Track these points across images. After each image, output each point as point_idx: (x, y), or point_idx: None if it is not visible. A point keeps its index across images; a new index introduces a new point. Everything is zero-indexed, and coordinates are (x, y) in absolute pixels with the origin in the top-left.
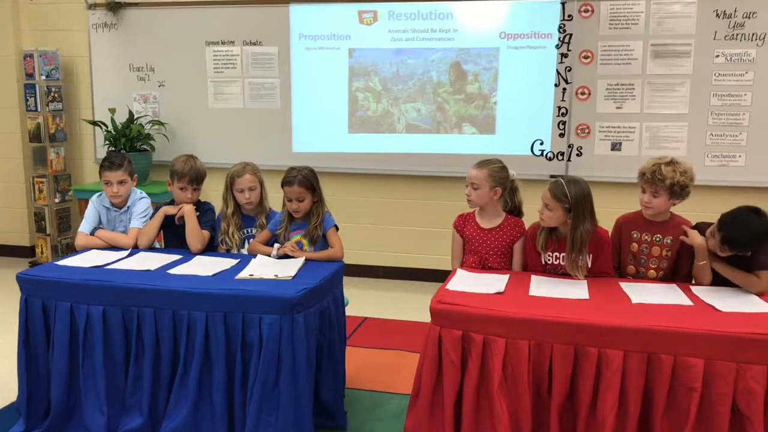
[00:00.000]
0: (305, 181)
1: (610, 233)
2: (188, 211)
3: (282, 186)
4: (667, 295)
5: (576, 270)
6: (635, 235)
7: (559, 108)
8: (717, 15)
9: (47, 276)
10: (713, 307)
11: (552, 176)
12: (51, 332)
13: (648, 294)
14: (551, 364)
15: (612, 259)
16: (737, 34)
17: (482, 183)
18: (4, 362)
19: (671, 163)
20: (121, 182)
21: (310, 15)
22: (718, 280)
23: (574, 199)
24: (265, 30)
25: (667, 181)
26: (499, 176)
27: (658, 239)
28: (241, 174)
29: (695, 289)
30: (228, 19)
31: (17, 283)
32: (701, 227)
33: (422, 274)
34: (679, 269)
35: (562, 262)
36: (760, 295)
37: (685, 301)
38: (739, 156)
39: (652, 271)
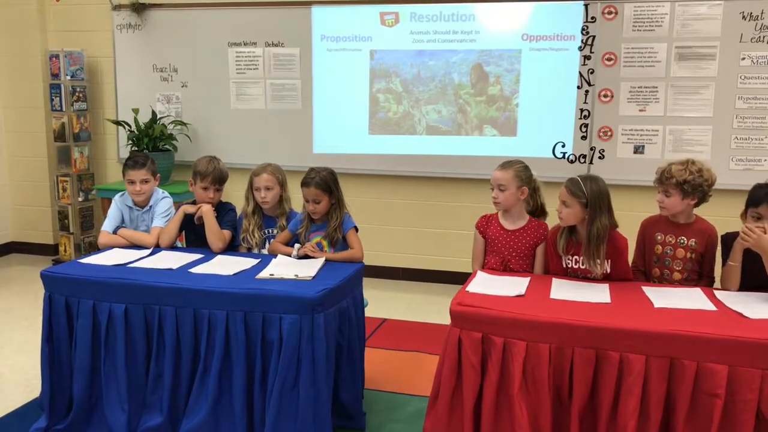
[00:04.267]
0: (322, 183)
1: (632, 237)
2: (206, 211)
3: (301, 186)
4: (691, 299)
5: (593, 265)
6: (659, 237)
7: (582, 110)
8: (743, 17)
9: (71, 273)
10: (739, 313)
11: None
12: (74, 329)
13: (671, 298)
14: (572, 368)
15: (639, 262)
16: (764, 37)
17: (509, 184)
18: (27, 358)
19: (684, 162)
20: (144, 181)
21: (332, 16)
22: (743, 285)
23: (591, 194)
24: (287, 31)
25: (674, 179)
26: (524, 176)
27: (682, 241)
28: (259, 173)
29: (719, 294)
30: (250, 20)
31: (41, 280)
32: (730, 237)
33: (442, 275)
34: (704, 272)
35: (582, 266)
36: None
37: (709, 306)
38: (765, 160)
39: (677, 273)
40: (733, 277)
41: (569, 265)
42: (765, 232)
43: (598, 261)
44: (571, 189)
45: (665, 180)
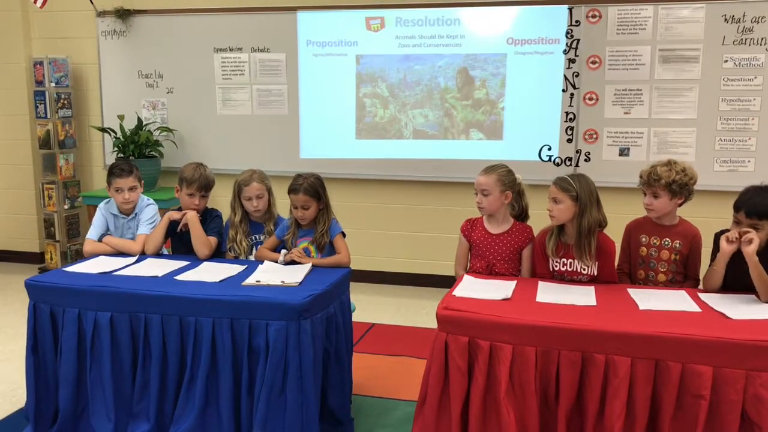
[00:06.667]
0: (310, 189)
1: (617, 239)
2: (191, 218)
3: (288, 193)
4: (675, 301)
5: (584, 257)
6: (644, 239)
7: (567, 113)
8: (725, 20)
9: (55, 282)
10: (723, 314)
11: None
12: (59, 338)
13: (656, 300)
14: (558, 371)
15: (624, 264)
16: (746, 39)
17: (492, 189)
18: (12, 368)
19: (668, 163)
20: (132, 189)
21: (318, 22)
22: (728, 286)
23: (580, 187)
24: (273, 37)
25: (663, 180)
26: (507, 180)
27: (666, 243)
28: (248, 182)
29: (704, 296)
30: (236, 26)
31: (26, 290)
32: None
33: (429, 279)
34: (689, 274)
35: (569, 268)
36: None
37: (694, 307)
38: (749, 161)
39: (662, 274)
40: (715, 280)
41: (557, 268)
42: (751, 242)
43: (589, 255)
44: (560, 185)
45: (654, 182)
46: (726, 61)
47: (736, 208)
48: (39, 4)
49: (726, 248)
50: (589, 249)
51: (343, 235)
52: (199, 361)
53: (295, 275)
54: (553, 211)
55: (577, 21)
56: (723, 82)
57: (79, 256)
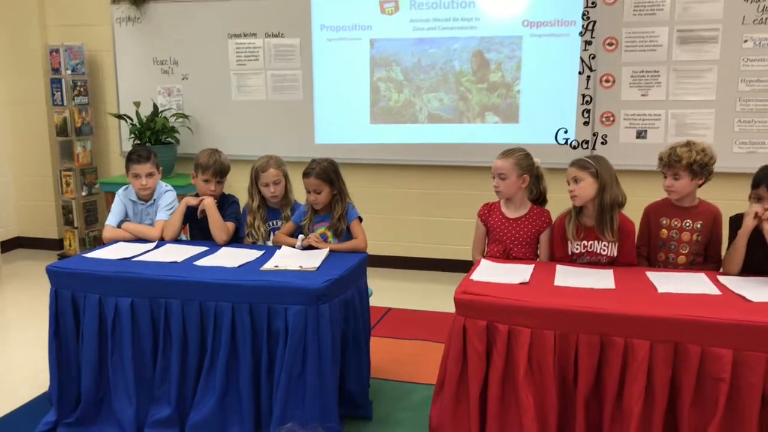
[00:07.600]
0: (322, 173)
1: (635, 223)
2: (208, 204)
3: (302, 177)
4: (694, 284)
5: (606, 233)
6: (664, 222)
7: (584, 96)
8: None
9: (76, 268)
10: (743, 297)
11: None
12: (80, 324)
13: (675, 283)
14: (577, 355)
15: (642, 247)
16: (766, 18)
17: (509, 172)
18: (35, 353)
19: (687, 144)
20: (149, 175)
21: (332, 6)
22: (748, 270)
23: (599, 164)
24: (287, 21)
25: (684, 161)
26: (525, 164)
27: (687, 224)
28: (265, 168)
29: (723, 279)
30: (250, 11)
31: (47, 276)
32: (738, 219)
33: (446, 264)
34: (709, 255)
35: (589, 250)
36: None
37: (713, 290)
38: None
39: (683, 256)
40: (736, 259)
41: (576, 251)
42: None
43: (612, 232)
44: (579, 164)
45: (674, 163)
46: (746, 41)
47: (756, 184)
48: None
49: (749, 224)
50: (611, 224)
51: (360, 219)
52: (219, 346)
53: (312, 260)
54: (575, 191)
55: (593, 2)
56: (742, 63)
57: (97, 243)
